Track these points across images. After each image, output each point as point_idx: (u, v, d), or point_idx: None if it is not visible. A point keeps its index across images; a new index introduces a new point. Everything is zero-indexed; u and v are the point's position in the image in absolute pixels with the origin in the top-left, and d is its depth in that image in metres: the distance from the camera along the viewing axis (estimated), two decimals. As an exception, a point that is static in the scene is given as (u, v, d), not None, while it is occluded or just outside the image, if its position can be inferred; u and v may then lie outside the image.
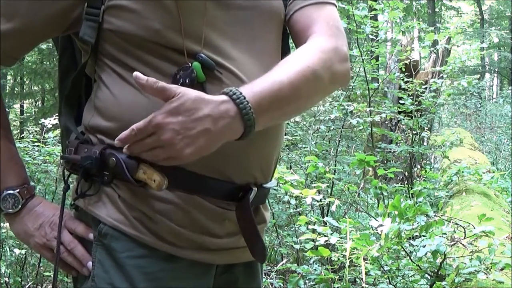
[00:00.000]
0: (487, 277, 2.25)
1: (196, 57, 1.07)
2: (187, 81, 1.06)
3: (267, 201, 1.25)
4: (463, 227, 2.69)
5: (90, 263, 1.11)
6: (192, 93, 0.99)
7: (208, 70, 1.08)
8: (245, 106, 1.00)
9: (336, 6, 1.25)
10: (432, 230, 2.44)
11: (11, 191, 1.15)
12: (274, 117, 1.09)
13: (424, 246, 2.34)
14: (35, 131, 6.24)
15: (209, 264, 1.14)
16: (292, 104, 1.09)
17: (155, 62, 1.08)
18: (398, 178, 5.72)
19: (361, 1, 5.89)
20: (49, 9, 1.11)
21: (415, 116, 5.22)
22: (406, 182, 5.39)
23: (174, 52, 1.08)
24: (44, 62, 11.60)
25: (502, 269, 2.32)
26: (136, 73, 0.99)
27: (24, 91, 14.31)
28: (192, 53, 1.08)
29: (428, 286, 2.48)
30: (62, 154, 1.21)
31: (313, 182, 3.98)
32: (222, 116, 0.99)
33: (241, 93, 1.01)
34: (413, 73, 5.85)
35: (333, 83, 1.16)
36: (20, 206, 1.15)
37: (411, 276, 2.60)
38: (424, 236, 2.44)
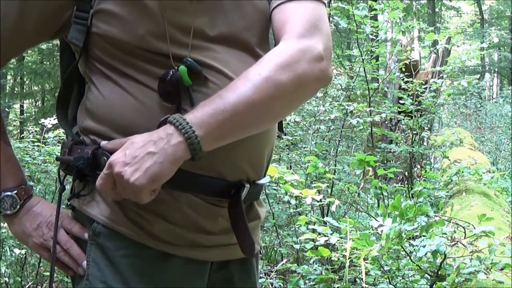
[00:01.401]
0: (487, 277, 2.25)
1: (183, 61, 1.07)
2: (175, 84, 1.05)
3: (265, 197, 1.24)
4: (463, 227, 2.70)
5: (85, 263, 1.11)
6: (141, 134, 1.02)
7: (196, 74, 1.07)
8: (180, 122, 0.99)
9: (324, 4, 1.16)
10: (432, 230, 2.44)
11: (8, 193, 1.15)
12: (228, 128, 1.03)
13: (424, 246, 2.33)
14: (35, 131, 6.24)
15: (203, 261, 1.14)
16: (245, 115, 1.03)
17: (143, 66, 1.08)
18: (398, 178, 5.72)
19: (361, 1, 5.88)
20: (42, 9, 1.11)
21: (415, 116, 5.22)
22: (406, 182, 5.39)
23: (161, 56, 1.08)
24: (44, 62, 11.59)
25: (502, 269, 2.32)
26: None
27: (24, 91, 14.29)
28: (179, 57, 1.07)
29: (428, 286, 2.47)
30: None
31: (313, 182, 3.97)
32: (160, 137, 1.00)
33: (179, 116, 1.00)
34: (413, 73, 5.85)
35: (301, 85, 1.07)
36: (18, 207, 1.16)
37: (411, 276, 2.60)
38: (424, 236, 2.43)
